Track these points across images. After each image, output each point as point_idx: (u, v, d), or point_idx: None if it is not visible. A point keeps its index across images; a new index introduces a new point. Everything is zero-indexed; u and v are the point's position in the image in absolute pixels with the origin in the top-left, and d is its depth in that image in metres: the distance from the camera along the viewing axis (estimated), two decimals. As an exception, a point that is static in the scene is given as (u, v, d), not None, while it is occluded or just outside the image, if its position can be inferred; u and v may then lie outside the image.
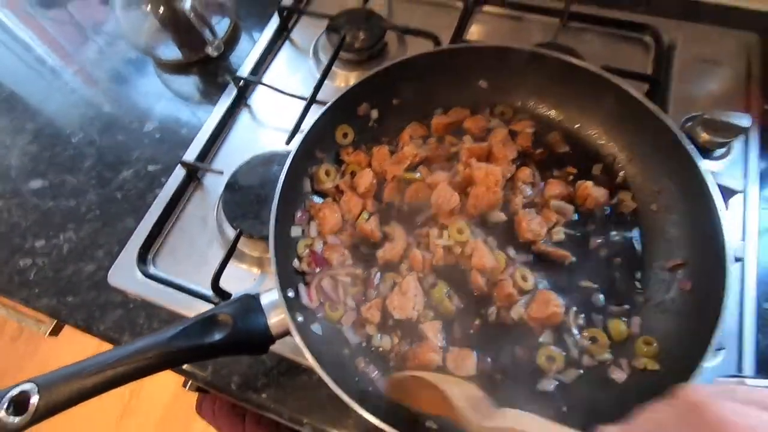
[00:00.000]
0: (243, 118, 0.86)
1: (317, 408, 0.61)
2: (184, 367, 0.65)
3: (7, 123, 0.91)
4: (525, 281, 0.57)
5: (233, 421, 0.82)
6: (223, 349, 0.48)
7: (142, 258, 0.72)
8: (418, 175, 0.63)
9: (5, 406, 0.41)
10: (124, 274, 0.71)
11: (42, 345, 2.05)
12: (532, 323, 0.55)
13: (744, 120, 0.64)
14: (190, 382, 0.84)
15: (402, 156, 0.64)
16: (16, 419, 0.41)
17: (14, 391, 0.42)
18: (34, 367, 2.03)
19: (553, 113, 0.70)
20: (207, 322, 0.47)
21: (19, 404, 0.42)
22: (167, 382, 1.94)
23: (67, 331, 0.85)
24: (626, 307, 0.56)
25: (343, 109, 0.66)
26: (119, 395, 1.86)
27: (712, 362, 0.56)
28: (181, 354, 0.45)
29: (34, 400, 0.42)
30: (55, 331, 0.86)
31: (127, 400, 1.89)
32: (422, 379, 0.46)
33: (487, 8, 0.91)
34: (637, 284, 0.57)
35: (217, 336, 0.47)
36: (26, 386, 0.42)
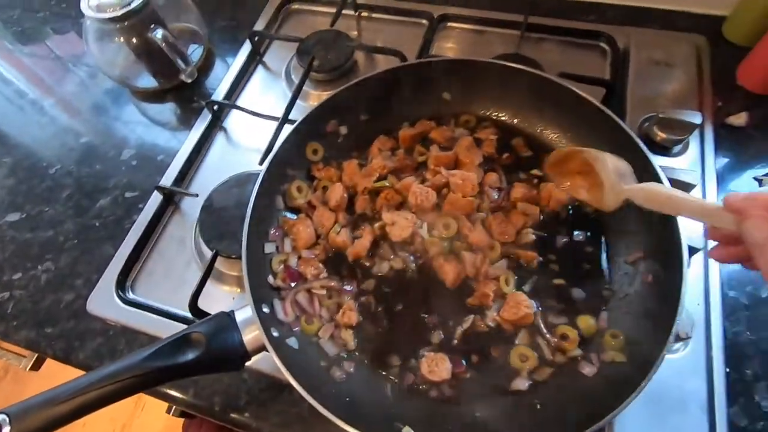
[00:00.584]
0: (219, 140, 0.87)
1: (299, 422, 0.61)
2: (166, 390, 0.64)
3: (-17, 158, 0.91)
4: (507, 285, 0.58)
5: (221, 445, 0.81)
6: (198, 368, 0.48)
7: (121, 284, 0.73)
8: (387, 183, 0.65)
9: (-23, 438, 0.41)
10: (103, 302, 0.71)
11: (30, 383, 2.00)
12: (505, 325, 0.57)
13: (695, 117, 0.68)
14: (174, 408, 0.83)
15: (371, 169, 0.66)
16: (-12, 451, 0.41)
17: (-15, 423, 0.42)
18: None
19: (515, 120, 0.73)
20: (180, 341, 0.48)
21: (-9, 435, 0.42)
22: (159, 412, 1.91)
23: (54, 366, 0.85)
24: (594, 302, 0.57)
25: (312, 127, 0.68)
26: (111, 429, 1.82)
27: (683, 351, 0.57)
28: (154, 375, 0.45)
29: (6, 430, 0.42)
30: (36, 366, 0.85)
31: (119, 433, 1.84)
32: (578, 157, 0.54)
33: (451, 24, 0.95)
34: (604, 279, 0.59)
35: (191, 355, 0.47)
36: (-2, 417, 0.42)
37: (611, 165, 0.50)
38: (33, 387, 1.98)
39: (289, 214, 0.66)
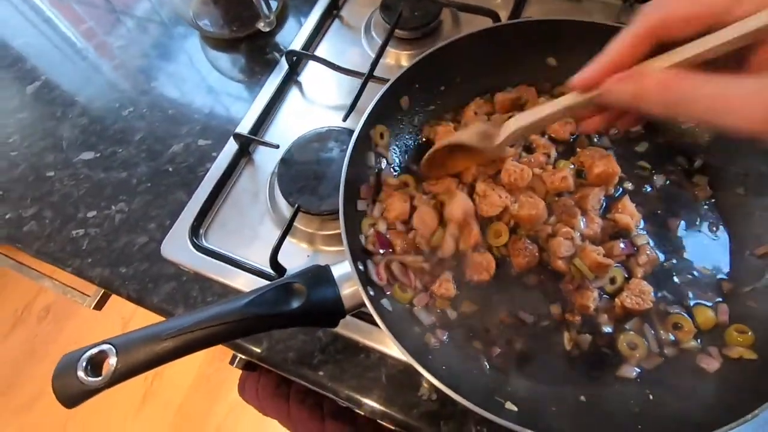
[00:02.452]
0: (293, 94, 0.84)
1: (376, 387, 0.59)
2: (240, 342, 0.64)
3: (57, 95, 0.90)
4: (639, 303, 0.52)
5: (277, 401, 0.80)
6: (298, 319, 0.46)
7: (195, 231, 0.71)
8: None
9: (84, 366, 0.40)
10: (177, 247, 0.70)
11: (66, 326, 2.08)
12: (618, 310, 0.53)
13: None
14: (237, 359, 0.83)
15: None
16: (95, 380, 0.40)
17: (92, 351, 0.41)
18: (60, 346, 2.06)
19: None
20: (282, 289, 0.46)
21: (96, 365, 0.41)
22: (189, 366, 1.96)
23: (115, 304, 0.85)
24: (711, 293, 0.53)
25: (407, 83, 0.64)
26: (142, 376, 1.88)
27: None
28: (257, 321, 0.44)
29: (113, 361, 0.41)
30: (99, 305, 0.86)
31: (149, 383, 1.90)
32: (443, 148, 0.56)
33: (544, -12, 0.88)
34: (724, 270, 0.54)
35: (294, 305, 0.45)
36: (104, 347, 0.41)
37: (469, 136, 0.53)
38: (69, 332, 2.06)
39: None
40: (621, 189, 0.59)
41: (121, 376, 0.40)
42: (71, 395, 0.40)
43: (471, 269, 0.55)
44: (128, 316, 1.98)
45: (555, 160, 0.61)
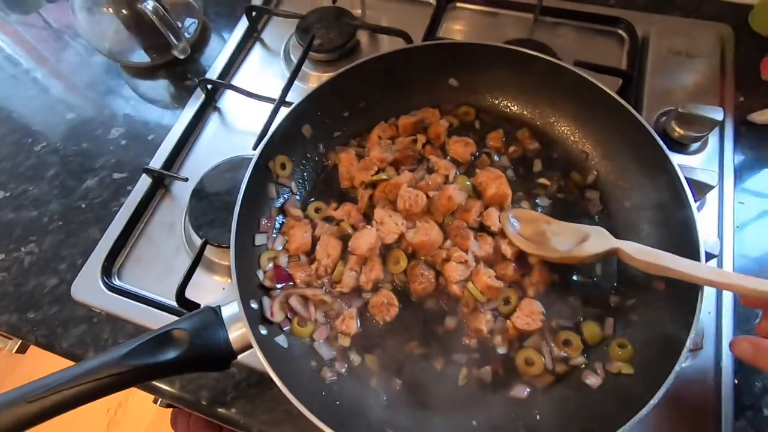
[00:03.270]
0: (212, 121, 0.83)
1: (289, 420, 0.58)
2: (152, 383, 0.62)
3: (-36, 134, 0.87)
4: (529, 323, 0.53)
5: (209, 434, 0.79)
6: (180, 367, 0.45)
7: (107, 270, 0.70)
8: (384, 176, 0.61)
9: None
10: (88, 288, 0.68)
11: (20, 364, 1.99)
12: (511, 332, 0.53)
13: (717, 113, 0.63)
14: (160, 399, 0.81)
15: (370, 161, 0.62)
16: (-46, 450, 0.39)
17: (-49, 420, 0.39)
18: (10, 386, 1.97)
19: (525, 111, 0.69)
20: (161, 339, 0.45)
21: (-43, 434, 0.39)
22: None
23: (37, 349, 0.83)
24: (599, 308, 0.54)
25: (308, 111, 0.64)
26: (105, 407, 1.82)
27: (689, 361, 0.55)
28: (133, 374, 0.43)
29: (-26, 429, 0.39)
30: (22, 349, 0.83)
31: (113, 413, 1.85)
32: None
33: (460, 4, 0.89)
34: (612, 285, 0.55)
35: (172, 354, 0.44)
36: (-36, 414, 0.39)
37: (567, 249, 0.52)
38: (23, 368, 1.97)
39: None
40: (518, 206, 0.61)
41: (-18, 444, 0.39)
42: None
43: (374, 310, 0.55)
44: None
45: (454, 179, 0.61)
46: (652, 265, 0.48)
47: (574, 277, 0.56)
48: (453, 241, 0.56)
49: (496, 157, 0.64)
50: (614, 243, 0.51)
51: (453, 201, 0.56)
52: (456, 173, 0.62)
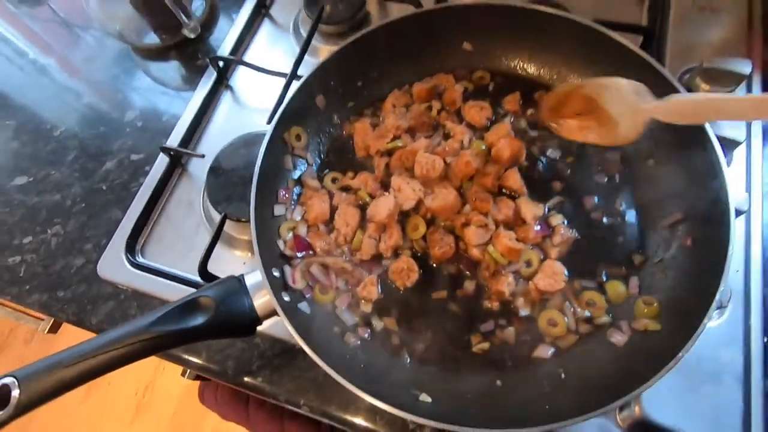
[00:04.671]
0: (225, 99, 0.83)
1: (313, 388, 0.60)
2: (179, 354, 0.64)
3: (-14, 122, 0.89)
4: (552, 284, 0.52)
5: (236, 407, 0.81)
6: (207, 333, 0.46)
7: (130, 248, 0.71)
8: (399, 143, 0.60)
9: (-14, 400, 0.40)
10: (113, 266, 0.70)
11: (54, 346, 2.07)
12: (534, 293, 0.53)
13: (745, 66, 0.61)
14: (188, 371, 0.84)
15: (384, 129, 0.61)
16: (-1, 413, 0.40)
17: (-6, 385, 0.41)
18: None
19: (541, 71, 0.67)
20: (188, 305, 0.46)
21: (1, 398, 0.41)
22: (180, 378, 1.97)
23: (70, 329, 0.86)
24: (623, 267, 0.53)
25: (321, 81, 0.63)
26: (133, 390, 1.89)
27: (717, 320, 0.53)
28: (162, 339, 0.44)
29: (15, 393, 0.41)
30: (54, 328, 0.86)
31: (141, 396, 1.91)
32: (580, 92, 0.47)
33: (471, -31, 0.86)
34: (635, 243, 0.54)
35: (200, 319, 0.45)
36: (6, 380, 0.41)
37: (626, 86, 0.43)
38: (58, 348, 2.05)
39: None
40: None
41: (25, 407, 0.41)
42: (-23, 429, 0.40)
43: (394, 275, 0.56)
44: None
45: (469, 144, 0.61)
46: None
47: (597, 235, 0.55)
48: (472, 205, 0.55)
49: (512, 120, 0.63)
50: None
51: (470, 166, 0.55)
52: (471, 138, 0.61)
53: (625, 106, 0.42)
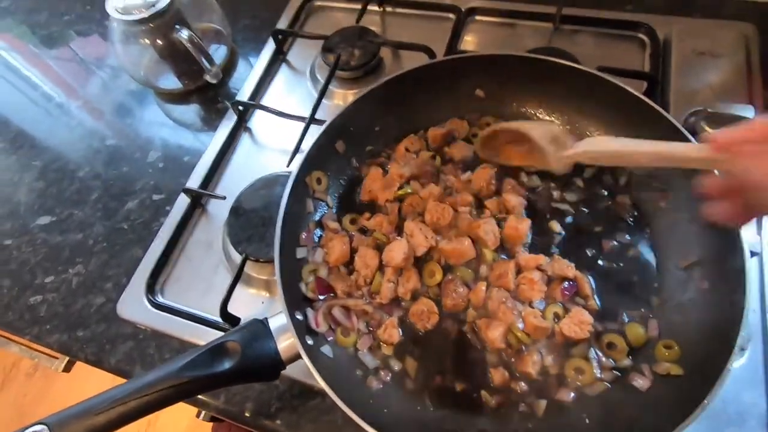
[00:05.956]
0: (244, 142, 0.86)
1: (332, 430, 0.59)
2: (198, 396, 0.64)
3: (14, 161, 0.92)
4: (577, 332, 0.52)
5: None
6: (234, 378, 0.47)
7: (151, 288, 0.72)
8: (409, 189, 0.63)
9: (18, 449, 0.41)
10: (133, 305, 0.71)
11: (57, 380, 2.05)
12: (558, 338, 0.54)
13: (748, 111, 0.64)
14: (203, 413, 0.83)
15: (390, 179, 0.64)
16: (29, 461, 0.41)
17: (25, 433, 0.41)
18: (49, 404, 2.02)
19: (552, 118, 0.70)
20: (216, 350, 0.47)
21: (31, 446, 0.41)
22: (181, 414, 1.93)
23: (82, 367, 0.85)
24: (642, 310, 0.54)
25: (341, 127, 0.66)
26: (135, 427, 1.85)
27: (738, 362, 0.54)
28: (192, 385, 0.45)
29: (46, 440, 0.41)
30: (68, 367, 0.86)
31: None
32: (507, 131, 0.50)
33: (479, 17, 0.92)
34: (653, 286, 0.55)
35: (227, 364, 0.46)
36: (37, 428, 0.41)
37: (541, 133, 0.46)
38: (60, 385, 2.03)
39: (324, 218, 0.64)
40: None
41: (55, 455, 0.41)
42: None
43: (414, 318, 0.57)
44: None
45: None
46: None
47: (616, 279, 0.56)
48: (497, 312, 0.55)
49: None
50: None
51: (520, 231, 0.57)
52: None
53: (548, 149, 0.45)
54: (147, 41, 0.87)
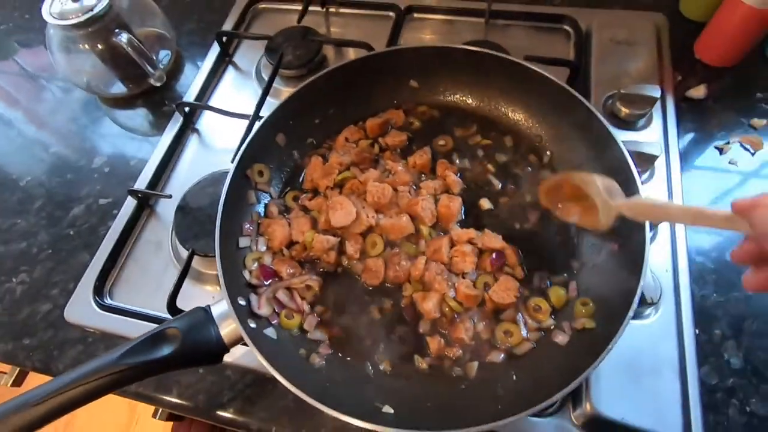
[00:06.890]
0: (192, 142, 0.87)
1: (285, 415, 0.61)
2: (149, 393, 0.64)
3: (-49, 174, 0.90)
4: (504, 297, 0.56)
5: (211, 445, 0.80)
6: (174, 363, 0.48)
7: (98, 291, 0.72)
8: (348, 174, 0.66)
9: (-49, 446, 0.40)
10: (81, 309, 0.71)
11: (8, 396, 1.96)
12: (488, 305, 0.57)
13: (654, 91, 0.70)
14: (159, 411, 0.83)
15: (329, 167, 0.67)
16: (-36, 458, 0.41)
17: (-41, 430, 0.41)
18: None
19: (481, 103, 0.74)
20: (155, 338, 0.48)
21: (-35, 443, 0.41)
22: (155, 424, 1.88)
23: (33, 379, 0.83)
24: (565, 275, 0.58)
25: (280, 120, 0.68)
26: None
27: (653, 317, 0.59)
28: (130, 371, 0.45)
29: (-18, 436, 0.41)
30: (18, 381, 0.84)
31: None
32: (569, 180, 0.54)
33: (417, 15, 0.96)
34: (573, 252, 0.60)
35: (166, 350, 0.47)
36: (-28, 424, 0.41)
37: (601, 185, 0.50)
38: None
39: (261, 211, 0.66)
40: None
41: (-10, 449, 0.41)
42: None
43: (365, 274, 0.60)
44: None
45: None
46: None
47: (540, 247, 0.61)
48: (429, 256, 0.60)
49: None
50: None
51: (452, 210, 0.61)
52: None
53: (602, 199, 0.50)
54: (87, 47, 0.86)
